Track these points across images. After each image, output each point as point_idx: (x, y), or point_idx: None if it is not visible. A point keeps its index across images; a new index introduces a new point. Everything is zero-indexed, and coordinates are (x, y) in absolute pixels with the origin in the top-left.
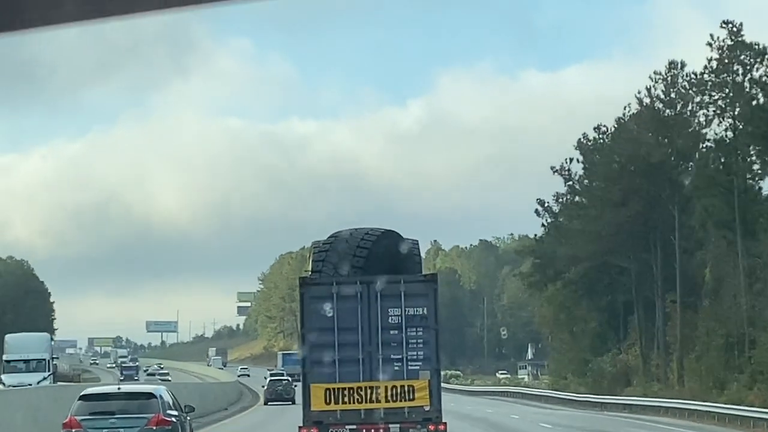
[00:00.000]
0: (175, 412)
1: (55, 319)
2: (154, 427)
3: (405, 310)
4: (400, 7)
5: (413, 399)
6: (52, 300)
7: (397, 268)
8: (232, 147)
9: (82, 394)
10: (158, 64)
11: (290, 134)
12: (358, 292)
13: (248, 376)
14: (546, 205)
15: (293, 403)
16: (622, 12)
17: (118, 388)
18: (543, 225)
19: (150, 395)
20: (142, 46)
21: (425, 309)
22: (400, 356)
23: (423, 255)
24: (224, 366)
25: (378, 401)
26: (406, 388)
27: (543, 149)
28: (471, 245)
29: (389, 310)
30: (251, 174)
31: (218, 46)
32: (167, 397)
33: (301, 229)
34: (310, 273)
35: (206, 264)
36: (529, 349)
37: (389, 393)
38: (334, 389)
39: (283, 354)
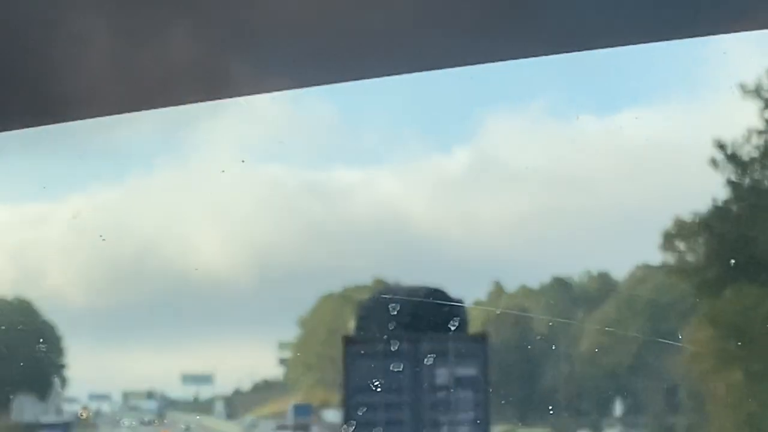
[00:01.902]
0: None
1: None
2: None
3: (453, 371)
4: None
5: None
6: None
7: (444, 327)
8: (271, 193)
9: None
10: (193, 102)
11: (332, 180)
12: (404, 352)
13: (255, 427)
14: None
15: None
16: (681, 53)
17: None
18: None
19: None
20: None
21: (475, 369)
22: (448, 419)
23: (485, 297)
24: (229, 417)
25: None
26: None
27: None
28: (542, 283)
29: (437, 370)
30: (291, 222)
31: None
32: None
33: (344, 279)
34: (353, 332)
35: (245, 314)
36: (618, 405)
37: None
38: None
39: (295, 406)
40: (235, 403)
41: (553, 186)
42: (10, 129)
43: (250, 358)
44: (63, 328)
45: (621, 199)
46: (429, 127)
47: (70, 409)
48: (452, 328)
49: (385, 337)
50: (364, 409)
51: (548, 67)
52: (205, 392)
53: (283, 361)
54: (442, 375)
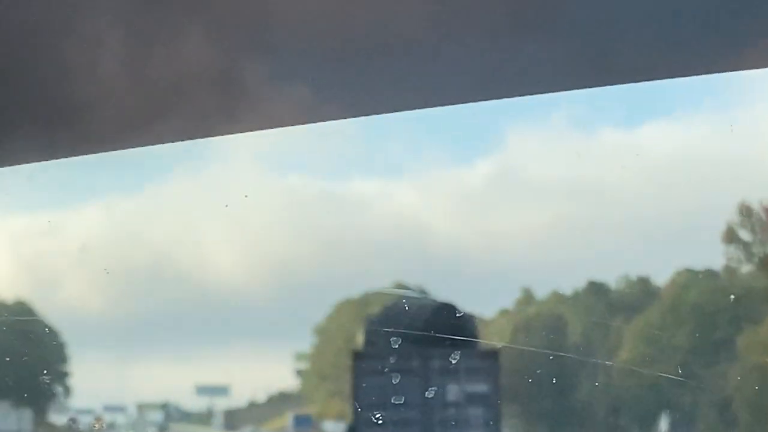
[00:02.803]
0: None
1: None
2: None
3: (464, 386)
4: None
5: None
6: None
7: (455, 343)
8: (289, 204)
9: None
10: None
11: (350, 192)
12: (414, 368)
13: None
14: None
15: None
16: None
17: None
18: None
19: None
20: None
21: (486, 385)
22: None
23: (511, 306)
24: (229, 428)
25: None
26: None
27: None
28: (576, 289)
29: (447, 386)
30: (309, 233)
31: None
32: None
33: (362, 289)
34: (363, 345)
35: (262, 325)
36: (663, 421)
37: None
38: None
39: (295, 416)
40: (249, 415)
41: (575, 197)
42: (20, 137)
43: (267, 370)
44: (78, 339)
45: (649, 210)
46: (450, 139)
47: (84, 420)
48: (463, 344)
49: (395, 352)
50: (374, 426)
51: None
52: (220, 404)
53: (299, 373)
54: (453, 391)
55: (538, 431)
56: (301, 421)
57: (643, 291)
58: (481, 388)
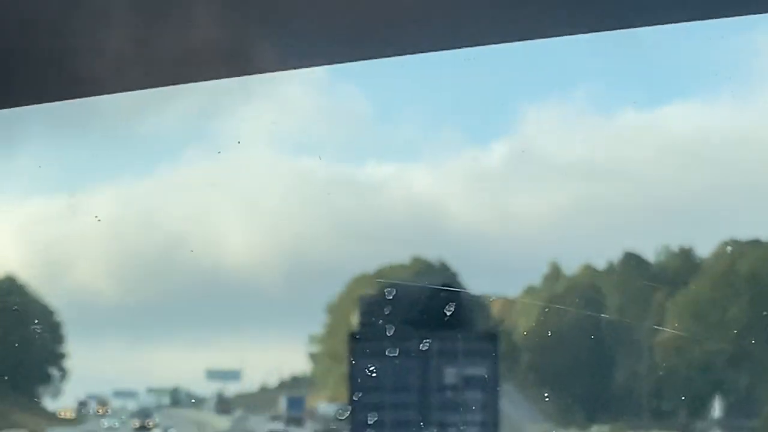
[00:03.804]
0: None
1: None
2: None
3: (463, 370)
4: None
5: None
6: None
7: (454, 325)
8: (302, 187)
9: None
10: (222, 91)
11: (365, 174)
12: (412, 351)
13: (245, 420)
14: None
15: None
16: (726, 47)
17: None
18: None
19: None
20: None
21: (485, 369)
22: (457, 420)
23: (539, 283)
24: (226, 412)
25: None
26: None
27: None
28: (611, 262)
29: (446, 369)
30: (322, 216)
31: (287, 73)
32: None
33: (376, 275)
34: (359, 327)
35: (275, 309)
36: (716, 404)
37: None
38: None
39: (288, 398)
40: (259, 400)
41: (594, 177)
42: (33, 104)
43: (280, 354)
44: (90, 325)
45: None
46: (466, 119)
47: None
48: (462, 326)
49: (392, 335)
50: (370, 410)
51: (589, 54)
52: (231, 389)
53: (312, 356)
54: (451, 374)
55: (574, 417)
56: (293, 403)
57: (685, 263)
58: (479, 371)
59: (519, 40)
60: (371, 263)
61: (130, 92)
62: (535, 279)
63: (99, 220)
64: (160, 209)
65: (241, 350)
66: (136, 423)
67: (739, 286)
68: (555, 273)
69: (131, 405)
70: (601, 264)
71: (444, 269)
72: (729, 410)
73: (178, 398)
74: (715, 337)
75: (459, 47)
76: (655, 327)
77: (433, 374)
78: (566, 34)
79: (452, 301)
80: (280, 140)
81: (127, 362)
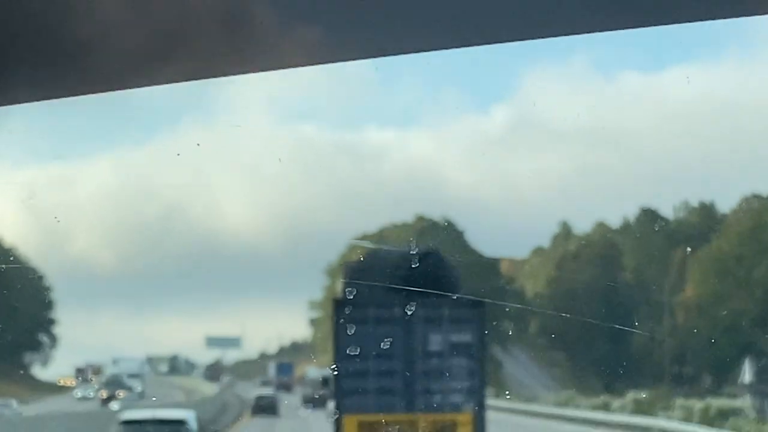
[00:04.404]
0: None
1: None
2: None
3: (448, 337)
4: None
5: None
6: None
7: (439, 291)
8: (302, 154)
9: (122, 420)
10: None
11: (365, 141)
12: (398, 317)
13: (232, 386)
14: None
15: (276, 414)
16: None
17: (154, 415)
18: None
19: (182, 422)
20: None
21: (470, 336)
22: (442, 387)
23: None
24: (215, 379)
25: None
26: (448, 423)
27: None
28: (626, 218)
29: (431, 336)
30: (323, 182)
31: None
32: (195, 423)
33: (377, 235)
34: (343, 293)
35: (275, 276)
36: (747, 369)
37: (429, 427)
38: (368, 422)
39: (277, 364)
40: (256, 367)
41: (596, 142)
42: (24, 74)
43: (281, 320)
44: (90, 293)
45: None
46: (466, 83)
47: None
48: (447, 293)
49: (377, 301)
50: (354, 376)
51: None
52: (232, 355)
53: (312, 321)
54: (436, 341)
55: (589, 384)
56: (282, 369)
57: (706, 219)
58: (465, 338)
59: (519, 7)
60: (372, 226)
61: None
62: (544, 240)
63: (59, 221)
64: (158, 177)
65: (242, 318)
66: (104, 394)
67: (767, 241)
68: (565, 232)
69: (132, 372)
70: (615, 223)
71: (449, 227)
72: (760, 374)
73: (176, 366)
74: (741, 295)
75: (467, 45)
76: (676, 286)
77: (418, 340)
78: (574, 33)
79: (439, 267)
80: (280, 107)
81: (127, 330)
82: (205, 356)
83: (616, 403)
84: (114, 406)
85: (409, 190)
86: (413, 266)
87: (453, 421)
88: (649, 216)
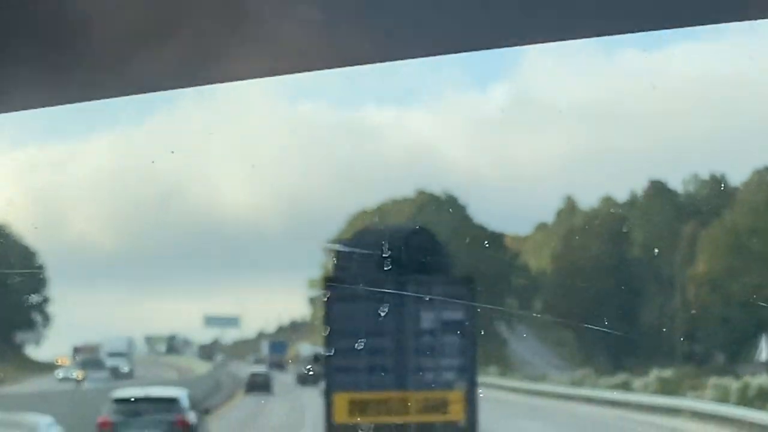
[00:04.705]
0: (194, 413)
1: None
2: (179, 429)
3: (439, 315)
4: None
5: (446, 412)
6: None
7: (430, 269)
8: (301, 132)
9: (114, 397)
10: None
11: (364, 119)
12: (388, 295)
13: (225, 365)
14: None
15: (270, 392)
16: None
17: (146, 393)
18: None
19: (173, 399)
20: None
21: (461, 313)
22: (433, 365)
23: (553, 218)
24: (209, 358)
25: (408, 414)
26: (439, 400)
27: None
28: (633, 192)
29: (422, 313)
30: (321, 163)
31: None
32: (188, 401)
33: (377, 211)
34: (333, 272)
35: (274, 255)
36: (763, 345)
37: (420, 405)
38: (359, 400)
39: (270, 343)
40: (253, 346)
41: (595, 121)
42: (21, 82)
43: (280, 299)
44: (88, 273)
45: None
46: (465, 60)
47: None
48: (438, 270)
49: (368, 279)
50: (345, 355)
51: None
52: (231, 335)
53: (311, 300)
54: (427, 319)
55: (599, 362)
56: (275, 347)
57: (717, 192)
58: (456, 315)
59: (519, 44)
60: (373, 202)
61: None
62: (548, 217)
63: (36, 228)
64: (157, 156)
65: (241, 297)
66: (80, 375)
67: None
68: (570, 208)
69: (115, 351)
70: (622, 197)
71: (451, 201)
72: None
73: (174, 346)
74: (756, 270)
75: (464, 50)
76: (687, 261)
77: (409, 318)
78: (569, 38)
79: (430, 244)
80: (279, 85)
81: (126, 310)
82: (203, 336)
83: (638, 382)
84: (86, 385)
85: (409, 168)
86: (404, 244)
87: (444, 398)
88: (657, 189)
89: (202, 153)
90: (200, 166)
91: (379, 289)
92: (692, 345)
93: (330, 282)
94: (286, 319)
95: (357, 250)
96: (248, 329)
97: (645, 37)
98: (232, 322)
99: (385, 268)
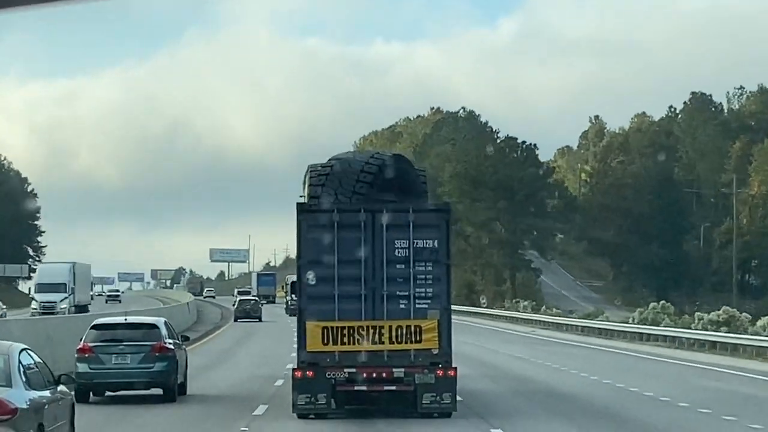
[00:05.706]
0: (172, 341)
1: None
2: (157, 354)
3: (413, 243)
4: None
5: (420, 341)
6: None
7: (405, 197)
8: (308, 68)
9: (93, 323)
10: None
11: (371, 54)
12: (362, 222)
13: (213, 297)
14: None
15: (260, 320)
16: None
17: (125, 319)
18: None
19: (153, 326)
20: None
21: (436, 242)
22: (406, 293)
23: (578, 141)
24: (198, 294)
25: (381, 342)
26: (412, 329)
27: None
28: (672, 108)
29: (396, 242)
30: (328, 98)
31: None
32: (167, 328)
33: (389, 130)
34: (307, 199)
35: (281, 190)
36: None
37: (394, 334)
38: (332, 328)
39: (259, 274)
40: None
41: (604, 54)
42: None
43: (287, 234)
44: (96, 210)
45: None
46: None
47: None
48: (413, 197)
49: (341, 206)
50: (318, 282)
51: None
52: (237, 269)
53: None
54: (401, 248)
55: (641, 292)
56: (263, 280)
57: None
58: (430, 243)
59: None
60: (378, 144)
61: None
62: (572, 140)
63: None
64: (163, 91)
65: (248, 232)
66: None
67: None
68: (598, 128)
69: (137, 286)
70: (658, 113)
71: (471, 117)
72: None
73: (180, 280)
74: None
75: None
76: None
77: (383, 246)
78: None
79: (405, 171)
80: (285, 20)
81: (134, 245)
82: (210, 270)
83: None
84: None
85: (418, 99)
86: (379, 171)
87: (418, 326)
88: (700, 102)
89: (209, 88)
90: (206, 100)
91: (352, 217)
92: (743, 277)
93: (303, 208)
94: (292, 253)
95: (331, 176)
96: (254, 263)
97: None
98: (238, 255)
99: (359, 195)
